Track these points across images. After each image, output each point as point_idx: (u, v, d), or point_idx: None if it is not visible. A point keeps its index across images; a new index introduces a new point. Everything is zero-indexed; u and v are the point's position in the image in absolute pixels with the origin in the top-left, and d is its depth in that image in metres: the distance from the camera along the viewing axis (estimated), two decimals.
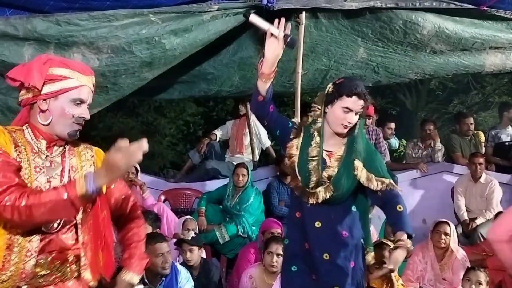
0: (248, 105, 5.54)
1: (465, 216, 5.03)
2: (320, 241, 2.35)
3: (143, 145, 1.60)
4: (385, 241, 3.82)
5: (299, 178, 2.32)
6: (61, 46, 3.16)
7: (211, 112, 9.77)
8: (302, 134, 2.37)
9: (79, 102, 1.74)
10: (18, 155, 1.68)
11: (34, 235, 1.69)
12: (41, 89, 1.70)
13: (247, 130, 5.63)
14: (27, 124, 1.76)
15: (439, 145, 5.79)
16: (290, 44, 2.19)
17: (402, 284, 3.72)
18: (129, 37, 3.20)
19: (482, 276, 3.53)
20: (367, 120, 5.49)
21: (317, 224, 2.35)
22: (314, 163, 2.32)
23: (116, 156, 1.58)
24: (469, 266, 3.86)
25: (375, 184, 2.33)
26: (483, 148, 5.90)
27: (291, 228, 2.51)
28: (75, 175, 1.76)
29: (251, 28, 3.77)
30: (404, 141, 6.38)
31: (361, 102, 2.29)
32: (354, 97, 2.27)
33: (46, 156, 1.74)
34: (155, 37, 3.24)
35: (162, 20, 3.23)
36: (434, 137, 5.81)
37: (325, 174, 2.32)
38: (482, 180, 5.10)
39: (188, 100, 8.70)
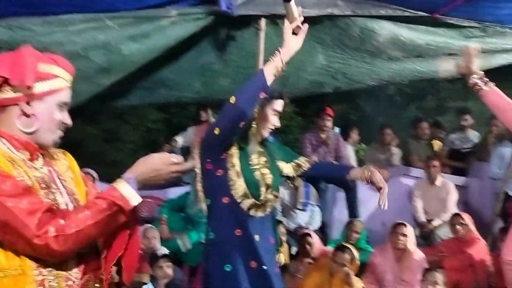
0: (209, 111, 5.54)
1: (423, 218, 5.17)
2: (263, 254, 2.24)
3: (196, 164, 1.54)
4: (346, 244, 3.89)
5: (248, 190, 2.19)
6: None
7: (173, 119, 9.68)
8: (236, 145, 2.23)
9: (64, 105, 1.50)
10: (18, 173, 1.40)
11: (70, 258, 1.44)
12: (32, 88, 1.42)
13: None
14: None
15: (396, 149, 5.94)
16: None
17: (363, 287, 3.79)
18: (86, 42, 3.13)
19: (439, 276, 3.63)
20: (327, 121, 5.55)
21: (257, 237, 2.23)
22: (259, 172, 2.24)
23: (169, 168, 1.48)
24: (427, 267, 3.97)
25: (303, 165, 2.42)
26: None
27: (230, 250, 2.20)
28: (68, 184, 1.55)
29: (211, 34, 3.77)
30: (363, 146, 6.51)
31: (282, 103, 2.31)
32: (281, 100, 2.29)
33: (34, 167, 1.47)
34: (112, 42, 3.19)
35: (120, 25, 3.18)
36: (392, 142, 5.95)
37: (268, 181, 2.27)
38: (438, 183, 5.25)
39: (150, 106, 8.59)
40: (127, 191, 1.42)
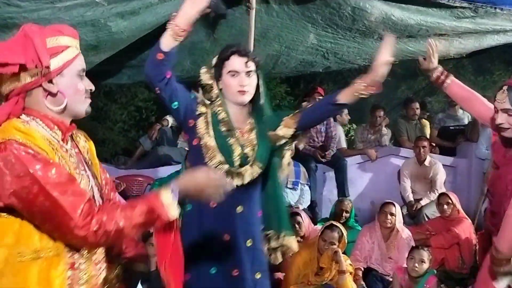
0: (200, 90, 5.50)
1: (411, 197, 5.24)
2: (244, 227, 2.17)
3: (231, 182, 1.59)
4: (335, 223, 3.94)
5: (222, 156, 2.12)
6: (1, 29, 3.00)
7: None
8: (209, 111, 2.16)
9: (82, 72, 1.48)
10: (59, 159, 1.39)
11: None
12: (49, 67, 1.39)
13: None
14: (24, 115, 1.41)
15: (386, 130, 5.98)
16: (214, 6, 2.01)
17: (350, 264, 3.85)
18: (73, 19, 3.07)
19: (425, 254, 3.70)
20: (318, 100, 5.54)
21: (239, 209, 2.16)
22: (232, 137, 2.16)
23: (211, 188, 1.51)
24: (414, 245, 4.04)
25: (293, 119, 2.24)
26: (428, 132, 6.14)
27: (204, 221, 2.16)
28: (91, 167, 1.55)
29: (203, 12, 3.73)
30: (354, 126, 6.54)
31: (244, 59, 2.14)
32: (232, 57, 2.14)
33: (66, 150, 1.45)
34: (101, 19, 3.13)
35: (108, 2, 3.12)
36: (383, 122, 5.99)
37: (246, 150, 2.17)
38: (426, 163, 5.31)
39: (139, 85, 8.51)
40: (168, 202, 1.44)
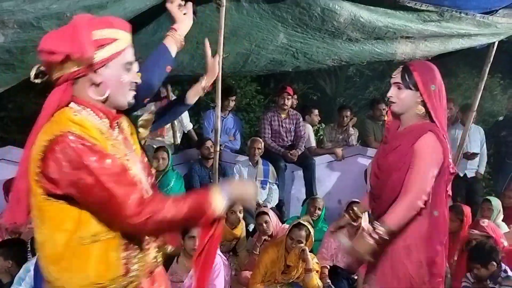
0: (169, 87, 5.45)
1: None
2: None
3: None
4: (302, 221, 3.97)
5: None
6: None
7: None
8: None
9: (130, 65, 1.52)
10: (111, 147, 1.47)
11: None
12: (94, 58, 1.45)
13: None
14: (75, 104, 1.47)
15: (353, 130, 6.06)
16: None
17: (317, 262, 3.89)
18: (38, 11, 2.98)
19: None
20: (287, 100, 5.58)
21: None
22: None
23: (253, 199, 1.63)
24: None
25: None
26: None
27: None
28: (136, 151, 1.61)
29: None
30: (323, 125, 6.61)
31: None
32: None
33: (115, 137, 1.53)
34: (67, 12, 3.04)
35: None
36: (350, 122, 6.07)
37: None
38: None
39: None
40: (217, 202, 1.52)
